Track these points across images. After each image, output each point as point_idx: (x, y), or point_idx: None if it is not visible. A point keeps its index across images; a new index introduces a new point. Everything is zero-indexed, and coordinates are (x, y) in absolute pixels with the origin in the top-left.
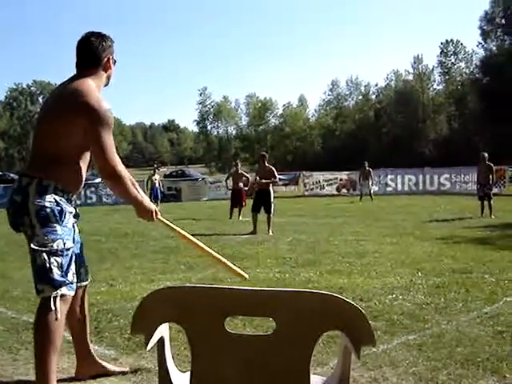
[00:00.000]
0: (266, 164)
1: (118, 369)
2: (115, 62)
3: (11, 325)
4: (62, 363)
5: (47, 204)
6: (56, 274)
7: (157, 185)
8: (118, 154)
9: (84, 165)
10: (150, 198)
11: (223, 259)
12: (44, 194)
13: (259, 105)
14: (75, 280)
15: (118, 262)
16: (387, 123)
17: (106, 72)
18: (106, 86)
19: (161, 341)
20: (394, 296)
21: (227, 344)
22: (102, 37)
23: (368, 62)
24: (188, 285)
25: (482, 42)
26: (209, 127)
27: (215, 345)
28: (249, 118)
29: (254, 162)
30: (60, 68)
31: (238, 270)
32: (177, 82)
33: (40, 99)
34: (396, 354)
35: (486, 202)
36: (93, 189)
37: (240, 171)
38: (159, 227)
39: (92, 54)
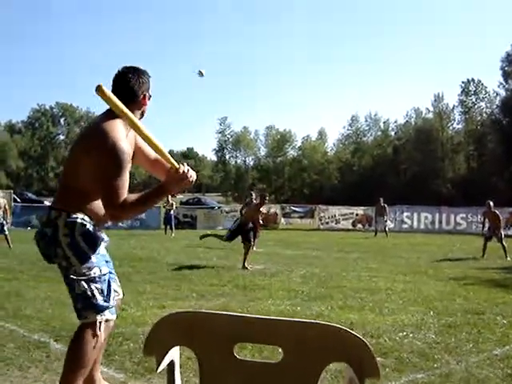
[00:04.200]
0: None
1: None
2: (150, 97)
3: (22, 343)
4: None
5: (78, 235)
6: (99, 299)
7: (171, 212)
8: (134, 181)
9: None
10: (164, 223)
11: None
12: (74, 226)
13: (278, 136)
14: (114, 304)
15: (130, 286)
16: (405, 160)
17: (140, 109)
18: (140, 119)
19: (171, 364)
20: (404, 334)
21: (236, 370)
22: (138, 73)
23: (388, 98)
24: (200, 310)
25: (504, 82)
26: (227, 156)
27: (224, 370)
28: (267, 149)
29: (270, 194)
30: (83, 92)
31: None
32: (197, 110)
33: (62, 121)
34: None
35: (488, 244)
36: None
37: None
38: (172, 253)
39: (128, 90)
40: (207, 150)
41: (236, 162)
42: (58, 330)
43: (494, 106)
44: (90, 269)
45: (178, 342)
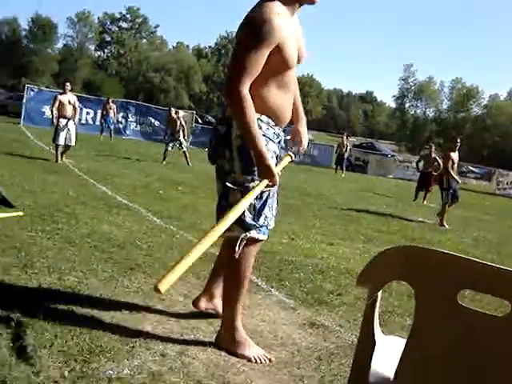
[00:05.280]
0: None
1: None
2: None
3: (202, 254)
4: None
5: None
6: (247, 216)
7: (346, 154)
8: (309, 117)
9: (283, 90)
10: (335, 163)
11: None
12: None
13: (464, 91)
14: (267, 224)
15: (300, 219)
16: None
17: None
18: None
19: (374, 301)
20: None
21: (457, 316)
22: None
23: None
24: (423, 246)
25: None
26: (407, 105)
27: (444, 314)
28: (450, 102)
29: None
30: None
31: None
32: (382, 54)
33: None
34: None
35: None
36: None
37: (433, 155)
38: (341, 193)
39: None
40: (387, 95)
41: (415, 111)
42: None
43: None
44: (249, 181)
45: (399, 277)
